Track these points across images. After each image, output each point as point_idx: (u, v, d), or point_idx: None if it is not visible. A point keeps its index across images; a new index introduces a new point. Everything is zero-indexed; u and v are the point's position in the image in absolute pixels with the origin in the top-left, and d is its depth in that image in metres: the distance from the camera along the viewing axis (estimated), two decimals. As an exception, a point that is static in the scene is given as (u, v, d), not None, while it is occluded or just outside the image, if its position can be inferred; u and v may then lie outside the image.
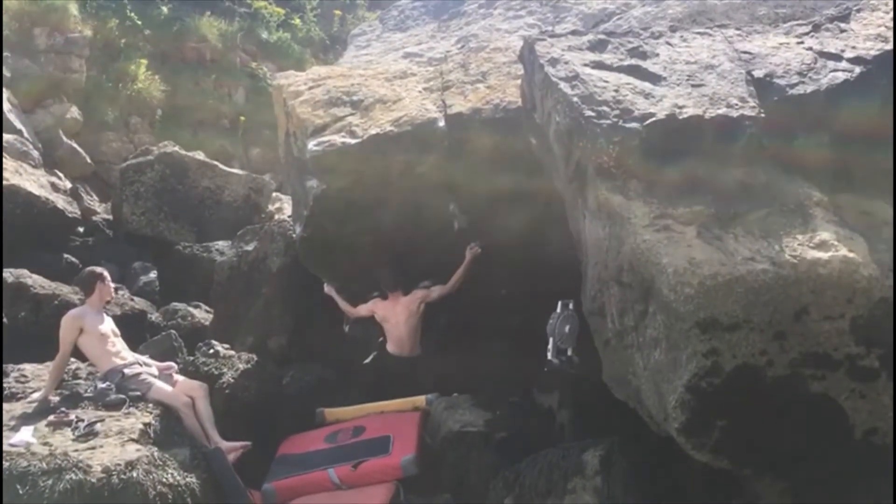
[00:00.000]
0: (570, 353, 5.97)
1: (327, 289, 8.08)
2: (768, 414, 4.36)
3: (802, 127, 5.04)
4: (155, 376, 6.63)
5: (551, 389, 6.91)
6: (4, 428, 5.59)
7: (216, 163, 13.79)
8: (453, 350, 7.59)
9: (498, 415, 6.67)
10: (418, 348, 7.77)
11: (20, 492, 4.87)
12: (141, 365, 6.69)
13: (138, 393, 6.34)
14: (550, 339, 5.97)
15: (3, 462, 5.02)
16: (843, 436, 4.38)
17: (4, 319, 8.54)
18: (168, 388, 6.55)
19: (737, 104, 5.05)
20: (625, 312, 4.91)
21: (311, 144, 7.17)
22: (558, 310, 6.08)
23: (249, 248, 9.80)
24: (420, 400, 7.11)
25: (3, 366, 6.83)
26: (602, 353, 5.45)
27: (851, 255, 4.37)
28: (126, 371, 6.46)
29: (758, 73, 5.26)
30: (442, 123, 7.04)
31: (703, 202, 4.71)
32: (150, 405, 6.25)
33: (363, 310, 7.89)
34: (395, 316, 7.69)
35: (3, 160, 11.72)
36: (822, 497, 4.62)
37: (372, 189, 7.15)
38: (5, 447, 5.23)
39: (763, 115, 5.01)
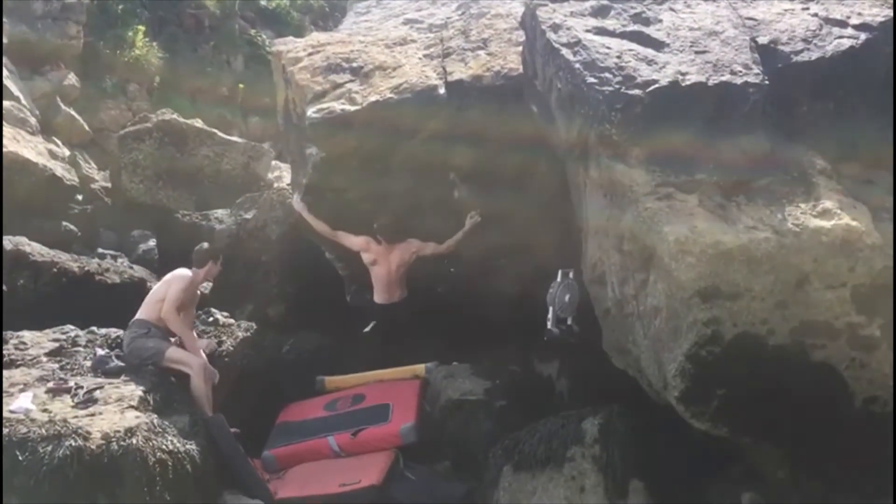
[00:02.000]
0: (569, 322, 5.96)
1: (297, 205, 7.72)
2: (768, 383, 4.36)
3: (807, 94, 4.99)
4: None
5: (551, 358, 6.91)
6: (4, 395, 5.59)
7: (215, 131, 13.72)
8: (453, 320, 7.57)
9: (497, 383, 6.68)
10: (405, 292, 7.70)
11: (20, 458, 4.87)
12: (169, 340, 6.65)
13: (152, 351, 6.34)
14: (550, 309, 5.95)
15: (3, 428, 5.02)
16: (842, 404, 4.39)
17: (3, 287, 8.51)
18: (183, 351, 6.50)
19: (741, 71, 4.99)
20: (625, 281, 4.90)
21: (311, 111, 7.10)
22: (558, 279, 6.06)
23: (249, 216, 9.79)
24: (419, 368, 7.11)
25: (3, 333, 6.81)
26: (602, 322, 5.44)
27: (854, 223, 4.35)
28: (153, 329, 6.45)
29: (762, 40, 5.20)
30: (442, 91, 6.97)
31: (705, 170, 4.68)
32: (150, 373, 6.23)
33: (355, 242, 7.60)
34: (388, 262, 7.56)
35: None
36: (820, 465, 4.64)
37: (371, 157, 7.10)
38: (5, 414, 5.23)
39: (767, 82, 4.95)
